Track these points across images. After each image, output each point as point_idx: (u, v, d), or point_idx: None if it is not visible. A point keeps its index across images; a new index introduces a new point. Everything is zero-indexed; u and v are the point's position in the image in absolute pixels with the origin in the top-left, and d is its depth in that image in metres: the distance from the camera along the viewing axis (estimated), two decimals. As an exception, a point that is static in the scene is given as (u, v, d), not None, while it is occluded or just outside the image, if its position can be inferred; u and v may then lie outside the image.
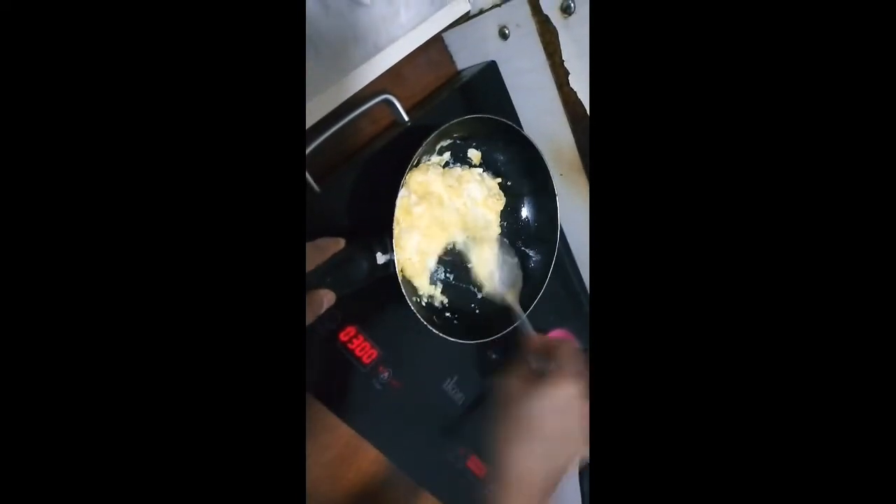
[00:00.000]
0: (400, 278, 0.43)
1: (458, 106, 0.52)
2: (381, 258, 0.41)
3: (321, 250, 0.36)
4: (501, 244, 0.54)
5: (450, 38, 0.56)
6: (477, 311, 0.54)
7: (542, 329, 0.59)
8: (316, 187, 0.45)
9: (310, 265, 0.35)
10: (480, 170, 0.54)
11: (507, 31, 0.49)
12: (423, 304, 0.51)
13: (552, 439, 0.32)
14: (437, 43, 0.56)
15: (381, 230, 0.42)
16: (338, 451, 0.56)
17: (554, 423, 0.32)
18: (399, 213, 0.45)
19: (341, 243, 0.38)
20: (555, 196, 0.53)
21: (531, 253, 0.57)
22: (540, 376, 0.33)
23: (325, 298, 0.35)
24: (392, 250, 0.41)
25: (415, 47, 0.49)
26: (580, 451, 0.34)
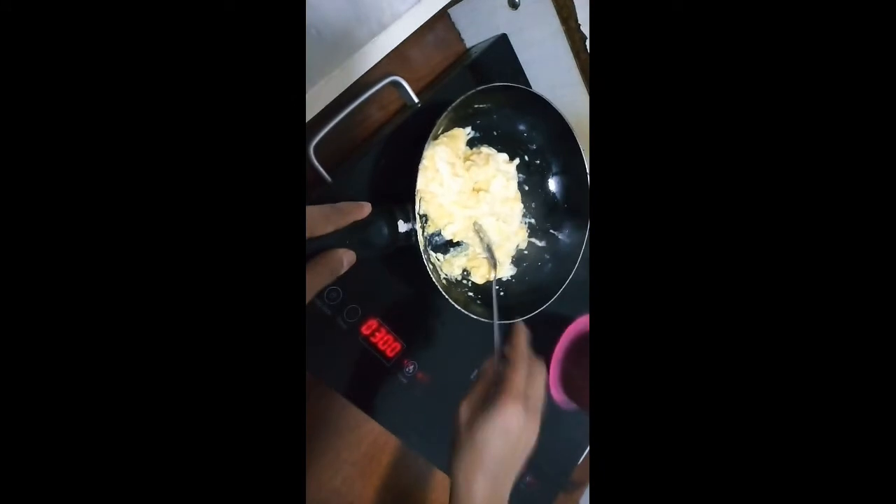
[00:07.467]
0: (424, 257, 0.41)
1: (468, 84, 0.50)
2: (402, 226, 0.40)
3: (342, 213, 0.34)
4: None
5: (456, 14, 0.53)
6: (501, 293, 0.52)
7: (570, 317, 0.57)
8: (328, 177, 0.43)
9: (329, 227, 0.33)
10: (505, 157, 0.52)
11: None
12: (447, 282, 0.49)
13: (497, 463, 0.34)
14: (443, 20, 0.53)
15: (403, 198, 0.41)
16: (367, 448, 0.54)
17: (497, 449, 0.34)
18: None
19: (366, 209, 0.36)
20: (585, 167, 0.50)
21: (560, 235, 0.55)
22: (489, 401, 0.35)
23: (344, 258, 0.33)
24: (414, 219, 0.40)
25: (421, 23, 0.46)
26: (519, 471, 0.36)
